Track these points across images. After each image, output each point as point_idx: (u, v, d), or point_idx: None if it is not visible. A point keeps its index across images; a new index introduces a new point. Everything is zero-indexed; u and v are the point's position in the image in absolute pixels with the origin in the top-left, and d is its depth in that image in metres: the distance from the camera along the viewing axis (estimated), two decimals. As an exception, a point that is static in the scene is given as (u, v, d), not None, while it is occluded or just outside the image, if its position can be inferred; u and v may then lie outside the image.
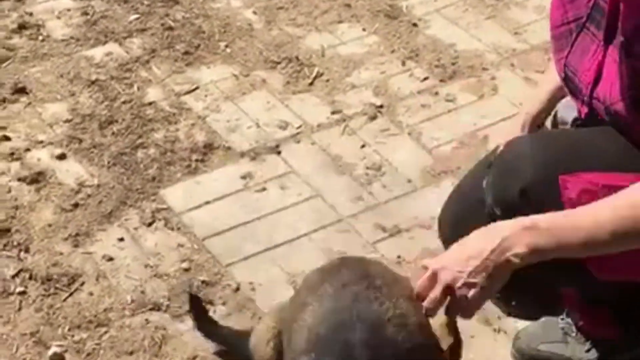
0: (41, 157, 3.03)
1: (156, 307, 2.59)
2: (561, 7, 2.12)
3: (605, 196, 1.89)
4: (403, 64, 3.44)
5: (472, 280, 1.82)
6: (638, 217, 1.80)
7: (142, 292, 2.63)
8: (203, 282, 2.65)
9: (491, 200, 2.11)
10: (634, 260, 1.99)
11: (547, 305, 2.47)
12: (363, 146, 3.09)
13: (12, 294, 2.62)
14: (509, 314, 2.57)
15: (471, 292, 1.82)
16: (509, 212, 2.02)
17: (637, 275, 2.04)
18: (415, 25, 3.63)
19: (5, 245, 2.75)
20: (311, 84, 3.35)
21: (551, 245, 1.80)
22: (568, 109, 2.29)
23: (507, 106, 3.20)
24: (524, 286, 2.30)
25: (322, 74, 3.39)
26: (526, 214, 1.93)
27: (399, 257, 2.73)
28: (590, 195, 1.94)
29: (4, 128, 3.12)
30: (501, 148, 2.18)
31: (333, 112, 3.22)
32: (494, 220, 2.05)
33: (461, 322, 1.94)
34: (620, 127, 2.03)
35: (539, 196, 2.01)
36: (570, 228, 1.82)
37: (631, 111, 1.98)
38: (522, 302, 2.46)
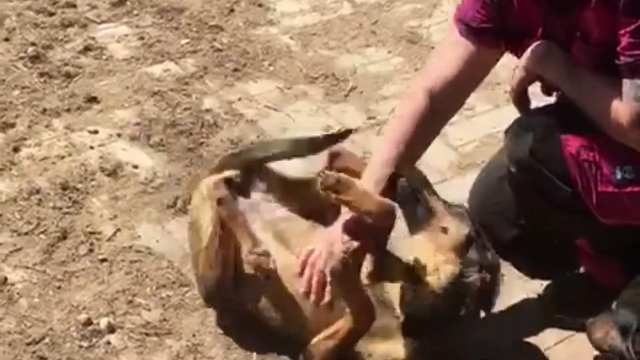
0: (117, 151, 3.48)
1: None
2: None
3: (601, 150, 2.44)
4: (426, 80, 3.91)
5: None
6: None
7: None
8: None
9: (507, 159, 2.60)
10: (633, 207, 2.47)
11: (564, 260, 2.91)
12: (397, 145, 3.54)
13: (102, 260, 3.03)
14: (533, 277, 3.00)
15: None
16: (523, 169, 2.54)
17: (636, 219, 2.51)
18: (433, 48, 4.11)
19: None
20: (347, 95, 3.82)
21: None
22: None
23: (520, 113, 3.67)
24: (545, 244, 2.79)
25: (355, 88, 3.86)
26: (536, 169, 2.49)
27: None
28: (588, 150, 2.49)
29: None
30: None
31: (368, 118, 3.68)
32: (512, 179, 2.58)
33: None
34: None
35: (545, 153, 2.54)
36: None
37: None
38: (544, 260, 2.93)
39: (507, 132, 2.70)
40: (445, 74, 2.70)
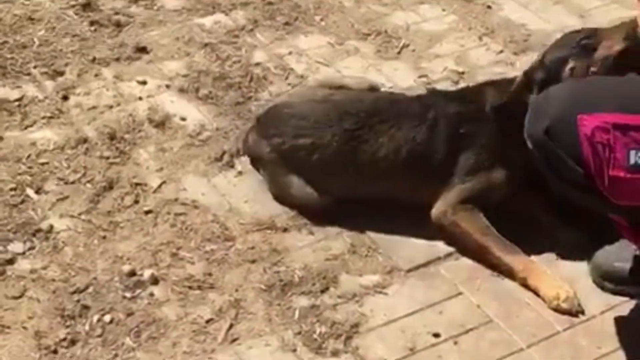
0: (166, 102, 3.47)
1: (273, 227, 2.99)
2: None
3: (616, 134, 2.36)
4: (480, 39, 3.85)
5: None
6: None
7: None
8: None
9: (525, 135, 2.55)
10: None
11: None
12: (447, 105, 3.48)
13: (148, 212, 3.03)
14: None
15: None
16: (537, 147, 2.50)
17: None
18: (489, 7, 4.04)
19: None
20: (399, 53, 3.77)
21: None
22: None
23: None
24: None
25: (408, 45, 3.81)
26: (549, 148, 2.41)
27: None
28: (602, 132, 2.39)
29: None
30: None
31: (420, 76, 3.63)
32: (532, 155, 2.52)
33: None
34: None
35: (560, 132, 2.45)
36: None
37: None
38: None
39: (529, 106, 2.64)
40: None
